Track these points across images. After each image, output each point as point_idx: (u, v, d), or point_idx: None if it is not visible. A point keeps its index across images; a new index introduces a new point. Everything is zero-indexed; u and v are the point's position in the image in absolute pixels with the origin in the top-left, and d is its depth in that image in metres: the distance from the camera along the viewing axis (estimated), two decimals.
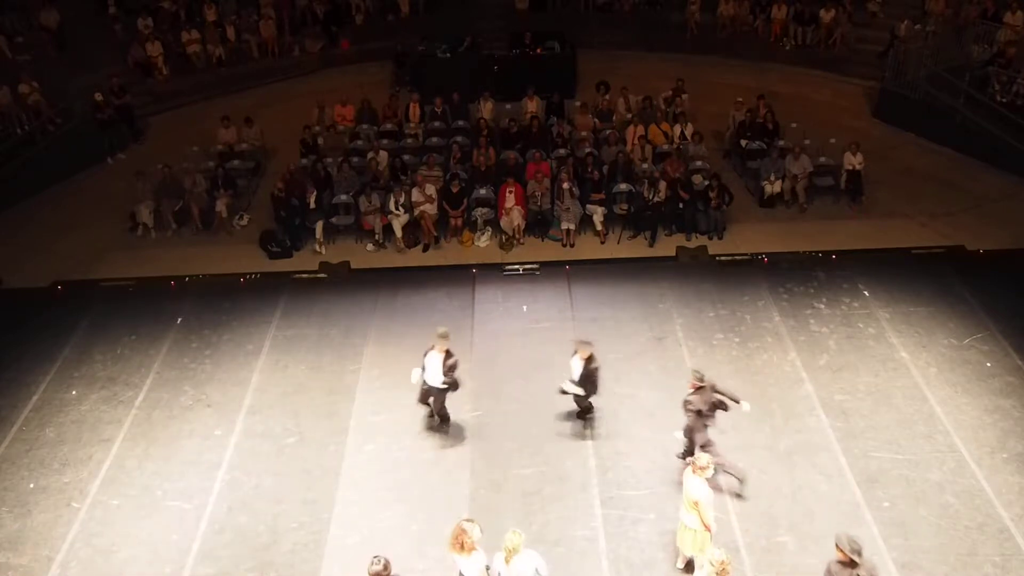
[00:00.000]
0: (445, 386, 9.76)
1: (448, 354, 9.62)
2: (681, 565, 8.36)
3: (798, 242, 13.79)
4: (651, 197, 14.01)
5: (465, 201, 14.36)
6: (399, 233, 14.05)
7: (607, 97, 17.06)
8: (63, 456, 10.01)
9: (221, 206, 14.66)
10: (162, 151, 16.61)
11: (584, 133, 16.28)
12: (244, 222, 14.98)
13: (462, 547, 7.16)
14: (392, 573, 7.01)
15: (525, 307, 12.36)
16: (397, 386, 10.86)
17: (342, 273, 13.44)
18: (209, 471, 9.71)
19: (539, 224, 14.36)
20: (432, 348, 9.68)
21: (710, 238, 14.09)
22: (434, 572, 8.08)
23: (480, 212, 14.39)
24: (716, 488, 8.82)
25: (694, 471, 7.79)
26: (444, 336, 9.62)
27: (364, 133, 16.76)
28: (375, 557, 7.02)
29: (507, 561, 7.19)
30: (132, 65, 19.30)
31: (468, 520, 7.33)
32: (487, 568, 7.27)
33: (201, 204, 14.82)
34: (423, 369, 9.74)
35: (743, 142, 15.99)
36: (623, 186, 14.45)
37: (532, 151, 15.30)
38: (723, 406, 9.03)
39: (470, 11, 21.16)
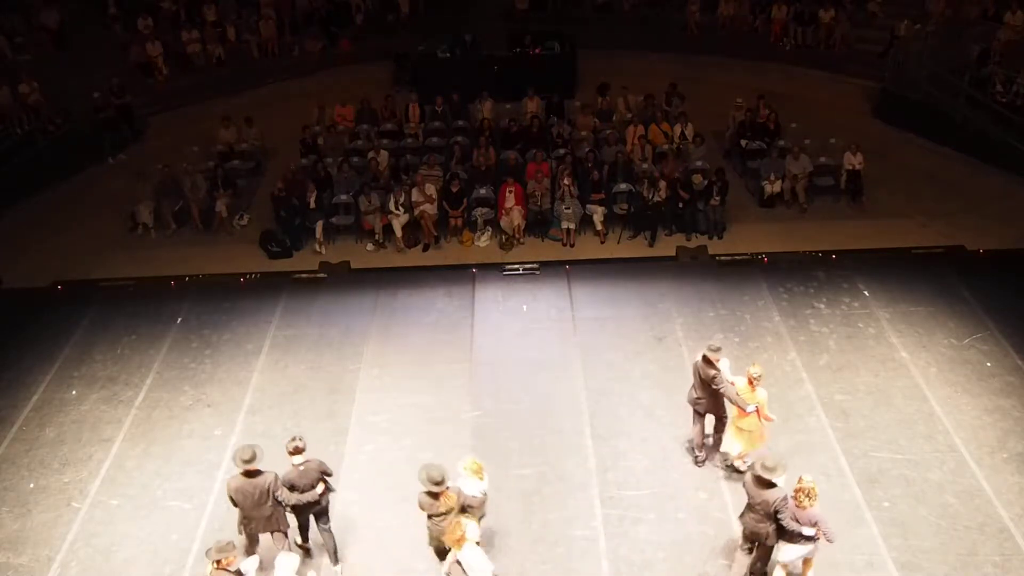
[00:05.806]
0: None
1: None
2: (733, 461, 9.18)
3: (798, 242, 13.78)
4: (651, 197, 14.01)
5: (465, 201, 14.36)
6: (399, 233, 14.05)
7: (607, 98, 17.06)
8: (63, 456, 10.00)
9: (221, 206, 14.67)
10: (162, 151, 16.61)
11: (584, 133, 16.29)
12: (244, 222, 14.99)
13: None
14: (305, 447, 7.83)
15: (525, 307, 12.36)
16: (397, 386, 10.88)
17: (342, 273, 13.44)
18: (209, 471, 9.70)
19: (539, 224, 14.36)
20: None
21: (710, 238, 14.09)
22: (434, 572, 8.06)
23: (480, 212, 14.38)
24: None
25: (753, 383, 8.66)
26: None
27: (364, 133, 16.76)
28: (294, 437, 7.94)
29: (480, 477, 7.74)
30: (132, 65, 19.30)
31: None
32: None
33: (201, 204, 14.82)
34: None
35: (743, 142, 16.00)
36: (623, 186, 14.44)
37: (533, 151, 15.30)
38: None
39: (470, 11, 21.15)
